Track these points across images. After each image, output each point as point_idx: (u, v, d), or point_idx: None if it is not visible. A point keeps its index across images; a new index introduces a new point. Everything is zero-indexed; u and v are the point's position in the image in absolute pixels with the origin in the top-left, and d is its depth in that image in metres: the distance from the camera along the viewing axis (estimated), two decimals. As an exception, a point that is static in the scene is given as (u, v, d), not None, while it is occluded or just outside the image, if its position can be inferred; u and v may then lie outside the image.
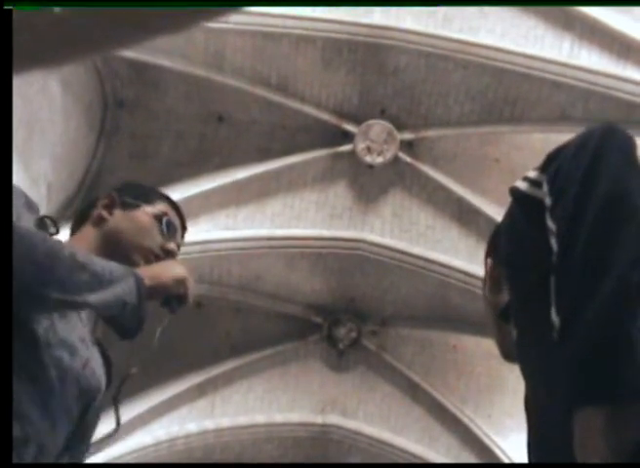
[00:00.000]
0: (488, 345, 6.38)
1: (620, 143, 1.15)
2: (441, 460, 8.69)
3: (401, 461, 8.84)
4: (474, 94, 7.01)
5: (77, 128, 7.07)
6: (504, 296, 1.43)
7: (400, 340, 8.71)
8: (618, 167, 1.10)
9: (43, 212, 1.57)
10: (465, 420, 8.56)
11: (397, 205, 7.79)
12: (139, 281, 1.42)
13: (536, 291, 1.15)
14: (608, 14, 6.34)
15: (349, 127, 7.43)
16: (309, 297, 8.51)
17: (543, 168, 1.22)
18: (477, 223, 7.47)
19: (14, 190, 1.43)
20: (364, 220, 7.87)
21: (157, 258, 1.64)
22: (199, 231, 7.10)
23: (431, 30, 6.69)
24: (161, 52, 6.69)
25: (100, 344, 1.54)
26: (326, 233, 7.84)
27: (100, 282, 1.34)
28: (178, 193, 6.36)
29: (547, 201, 1.16)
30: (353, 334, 8.69)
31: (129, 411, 7.45)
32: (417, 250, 7.77)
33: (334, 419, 8.97)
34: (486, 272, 1.53)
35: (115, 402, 1.53)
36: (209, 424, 8.65)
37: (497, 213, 6.96)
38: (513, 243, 1.30)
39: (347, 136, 7.49)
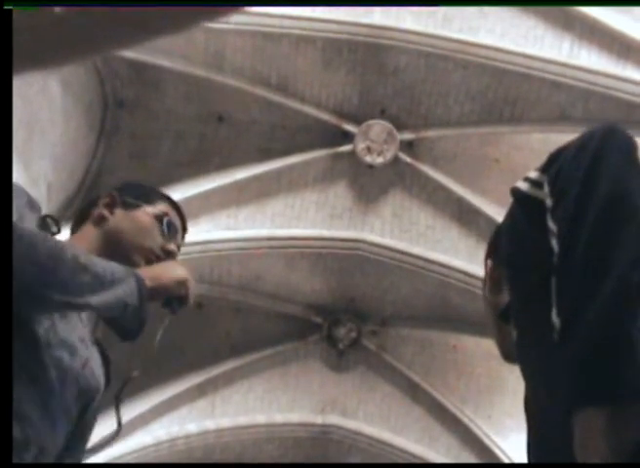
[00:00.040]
0: (488, 345, 6.38)
1: (621, 144, 1.15)
2: (441, 460, 8.69)
3: (401, 461, 8.84)
4: (474, 94, 7.01)
5: (77, 128, 7.07)
6: (504, 297, 1.43)
7: (400, 340, 8.70)
8: (618, 167, 1.10)
9: (43, 212, 1.57)
10: (465, 420, 8.56)
11: (397, 205, 7.79)
12: (140, 282, 1.42)
13: (536, 291, 1.15)
14: (608, 14, 6.34)
15: (349, 127, 7.43)
16: (309, 297, 8.51)
17: (544, 168, 1.22)
18: (477, 223, 7.47)
19: (16, 189, 1.43)
20: (364, 221, 7.87)
21: (157, 259, 1.64)
22: (199, 231, 7.10)
23: (431, 30, 6.69)
24: (161, 52, 6.68)
25: (99, 344, 1.54)
26: (326, 233, 7.84)
27: (101, 283, 1.34)
28: (178, 193, 6.36)
29: (548, 202, 1.16)
30: (353, 334, 8.69)
31: (129, 411, 7.45)
32: (417, 250, 7.77)
33: (334, 419, 8.97)
34: (486, 273, 1.53)
35: (117, 404, 1.52)
36: (209, 424, 8.65)
37: (497, 213, 6.96)
38: (514, 243, 1.30)
39: (347, 137, 7.49)
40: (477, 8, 6.60)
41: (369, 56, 6.94)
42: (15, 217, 1.36)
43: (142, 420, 8.04)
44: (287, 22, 6.64)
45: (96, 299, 1.32)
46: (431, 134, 7.40)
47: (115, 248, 1.60)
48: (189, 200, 6.85)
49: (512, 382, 7.90)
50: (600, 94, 6.49)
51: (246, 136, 7.52)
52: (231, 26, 6.51)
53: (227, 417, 8.71)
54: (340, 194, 7.79)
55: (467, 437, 8.58)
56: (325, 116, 7.38)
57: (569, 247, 1.07)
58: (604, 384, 0.96)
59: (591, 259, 1.03)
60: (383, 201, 7.81)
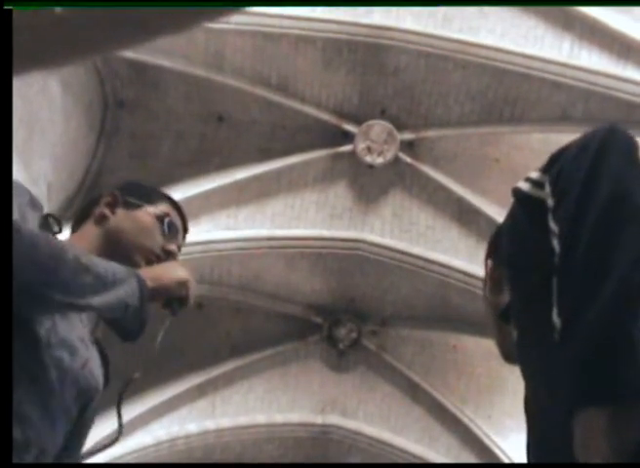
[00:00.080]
0: (488, 345, 6.38)
1: (622, 144, 1.15)
2: (441, 460, 8.69)
3: (401, 461, 8.84)
4: (474, 94, 7.01)
5: (77, 128, 7.07)
6: (505, 297, 1.43)
7: (400, 340, 8.71)
8: (619, 168, 1.10)
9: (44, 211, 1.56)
10: (465, 420, 8.56)
11: (397, 205, 7.79)
12: (141, 283, 1.42)
13: (537, 292, 1.15)
14: (608, 14, 6.34)
15: (349, 127, 7.43)
16: (309, 297, 8.51)
17: (546, 169, 1.22)
18: (477, 223, 7.47)
19: (18, 188, 1.43)
20: (364, 221, 7.87)
21: (158, 259, 1.64)
22: (200, 231, 7.10)
23: (431, 30, 6.69)
24: (161, 52, 6.69)
25: (98, 343, 1.54)
26: (326, 233, 7.84)
27: (103, 284, 1.34)
28: (178, 193, 6.35)
29: (550, 202, 1.16)
30: (353, 335, 8.69)
31: (129, 412, 7.44)
32: (417, 250, 7.77)
33: (334, 419, 8.97)
34: (486, 273, 1.53)
35: (118, 407, 1.52)
36: (209, 424, 8.65)
37: (497, 213, 6.96)
38: (515, 244, 1.30)
39: (347, 137, 7.48)
40: (477, 8, 6.60)
41: (369, 56, 6.94)
42: (16, 216, 1.35)
43: (142, 420, 8.04)
44: (287, 22, 6.64)
45: (97, 300, 1.32)
46: (431, 134, 7.40)
47: (116, 247, 1.60)
48: (189, 200, 6.85)
49: (512, 382, 7.90)
50: (600, 94, 6.49)
51: (246, 136, 7.52)
52: (231, 26, 6.51)
53: (227, 417, 8.71)
54: (340, 194, 7.79)
55: (467, 437, 8.58)
56: (325, 116, 7.38)
57: (570, 247, 1.07)
58: (605, 384, 0.96)
59: (592, 260, 1.03)
60: (383, 201, 7.81)
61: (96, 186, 7.25)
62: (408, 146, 7.50)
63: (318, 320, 8.66)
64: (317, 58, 6.97)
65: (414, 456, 8.78)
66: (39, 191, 6.31)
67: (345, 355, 8.84)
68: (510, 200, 1.31)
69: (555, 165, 1.20)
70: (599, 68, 6.44)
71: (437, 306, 8.20)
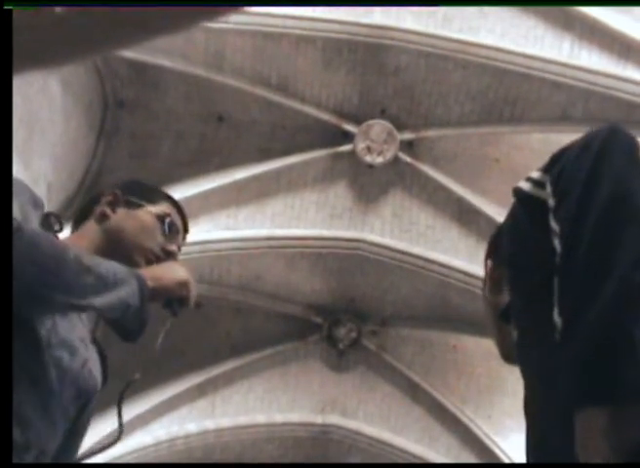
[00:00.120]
0: (488, 345, 6.37)
1: (624, 145, 1.15)
2: (441, 460, 8.69)
3: (401, 461, 8.84)
4: (474, 94, 7.01)
5: (77, 128, 7.07)
6: (505, 297, 1.43)
7: (400, 340, 8.70)
8: (620, 168, 1.10)
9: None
10: (465, 420, 8.56)
11: (397, 205, 7.79)
12: (142, 283, 1.42)
13: (538, 291, 1.15)
14: (608, 14, 6.34)
15: (349, 127, 7.43)
16: (309, 297, 8.51)
17: (547, 169, 1.22)
18: (477, 223, 7.47)
19: (19, 185, 1.42)
20: (364, 220, 7.86)
21: (157, 259, 1.63)
22: (199, 231, 7.10)
23: (431, 30, 6.69)
24: (161, 52, 6.68)
25: (96, 343, 1.54)
26: (326, 233, 7.84)
27: (105, 284, 1.33)
28: (178, 193, 6.33)
29: (551, 202, 1.16)
30: (353, 334, 8.69)
31: (129, 412, 7.44)
32: (417, 250, 7.77)
33: (334, 419, 8.97)
34: (486, 273, 1.53)
35: (119, 408, 1.51)
36: (209, 424, 8.65)
37: (497, 213, 6.96)
38: (516, 243, 1.30)
39: (347, 136, 7.48)
40: (477, 8, 6.60)
41: (369, 56, 6.94)
42: (19, 215, 1.35)
43: (142, 420, 8.04)
44: (287, 22, 6.64)
45: (99, 301, 1.32)
46: (431, 134, 7.40)
47: (116, 246, 1.60)
48: (189, 200, 6.84)
49: (512, 382, 7.89)
50: (600, 94, 6.49)
51: (246, 136, 7.52)
52: (231, 26, 6.51)
53: (227, 417, 8.71)
54: (339, 194, 7.79)
55: (467, 437, 8.58)
56: (325, 116, 7.38)
57: (571, 247, 1.07)
58: (605, 384, 0.96)
59: (593, 260, 1.03)
60: (383, 201, 7.81)
61: (95, 186, 7.25)
62: (408, 146, 7.50)
63: (318, 320, 8.66)
64: (317, 57, 6.97)
65: (414, 456, 8.77)
66: (39, 191, 6.29)
67: (345, 355, 8.84)
68: (510, 200, 1.31)
69: (556, 165, 1.20)
70: (599, 68, 6.45)
71: (437, 306, 8.20)
